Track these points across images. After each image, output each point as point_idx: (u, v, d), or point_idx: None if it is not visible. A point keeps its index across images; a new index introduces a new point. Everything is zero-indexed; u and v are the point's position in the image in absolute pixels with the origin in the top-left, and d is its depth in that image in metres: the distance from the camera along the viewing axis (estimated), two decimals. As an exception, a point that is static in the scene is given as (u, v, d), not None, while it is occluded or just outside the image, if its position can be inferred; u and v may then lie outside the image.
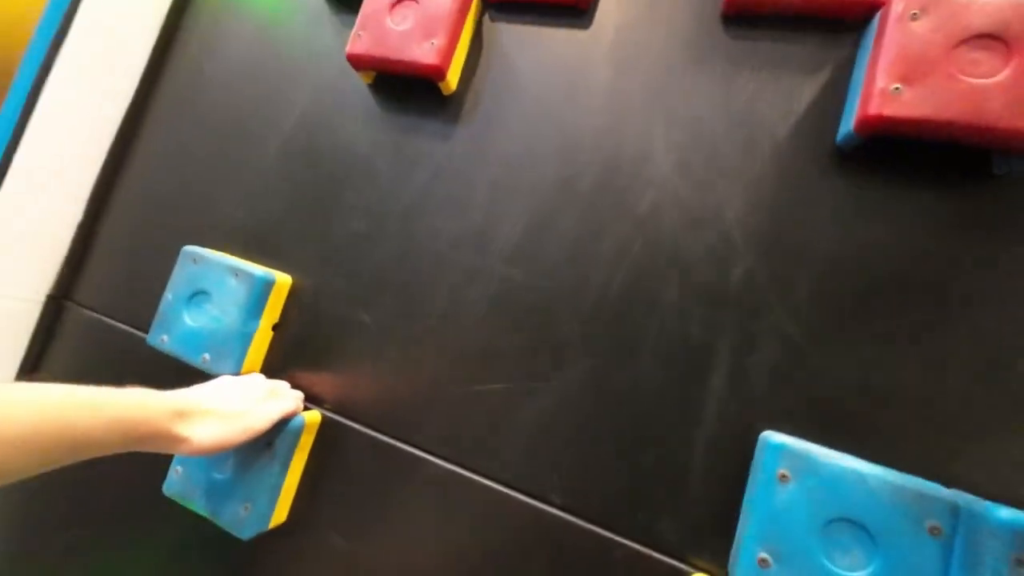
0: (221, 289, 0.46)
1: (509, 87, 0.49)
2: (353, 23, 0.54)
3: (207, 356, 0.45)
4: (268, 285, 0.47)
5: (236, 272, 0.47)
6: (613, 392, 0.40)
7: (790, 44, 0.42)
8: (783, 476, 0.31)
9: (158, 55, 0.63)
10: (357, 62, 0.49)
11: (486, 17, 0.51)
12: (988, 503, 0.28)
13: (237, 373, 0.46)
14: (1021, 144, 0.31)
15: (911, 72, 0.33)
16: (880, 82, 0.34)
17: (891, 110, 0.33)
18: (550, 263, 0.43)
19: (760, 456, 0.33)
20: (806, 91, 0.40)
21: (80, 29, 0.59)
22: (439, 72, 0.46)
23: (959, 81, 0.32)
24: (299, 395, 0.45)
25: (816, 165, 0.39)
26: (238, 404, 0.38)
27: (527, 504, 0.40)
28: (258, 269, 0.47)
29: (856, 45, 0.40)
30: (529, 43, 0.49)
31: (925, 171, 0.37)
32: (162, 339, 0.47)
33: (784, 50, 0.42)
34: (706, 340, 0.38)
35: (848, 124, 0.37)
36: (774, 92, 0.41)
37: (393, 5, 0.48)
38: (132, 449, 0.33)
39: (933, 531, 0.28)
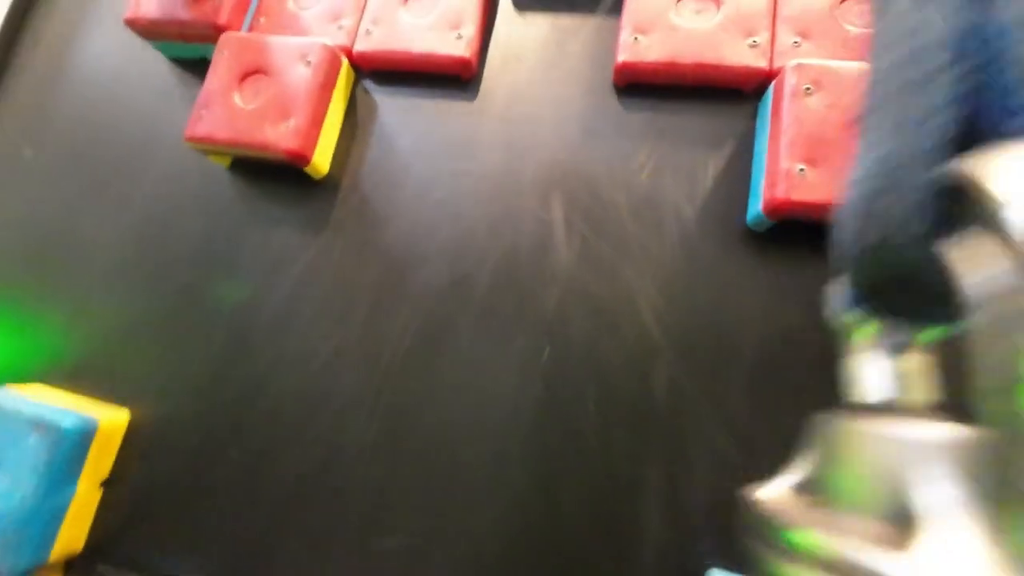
0: (15, 450, 0.35)
1: (390, 169, 0.42)
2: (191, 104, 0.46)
3: (-11, 552, 0.33)
4: (86, 436, 0.36)
5: (37, 424, 0.35)
6: (533, 542, 0.33)
7: (686, 116, 0.38)
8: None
9: (-41, 138, 0.51)
10: (203, 144, 0.41)
11: (360, 88, 0.45)
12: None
13: (40, 563, 0.35)
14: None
15: (815, 152, 0.30)
16: (785, 163, 0.31)
17: (800, 195, 0.30)
18: (447, 381, 0.36)
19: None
20: (709, 167, 0.37)
21: None
22: (300, 157, 0.39)
23: (863, 162, 0.30)
24: None
25: (728, 249, 0.35)
26: None
27: None
28: (71, 416, 0.36)
29: (754, 117, 0.37)
30: (410, 118, 0.43)
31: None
32: (-72, 530, 0.34)
33: (681, 123, 0.38)
34: (635, 467, 0.33)
35: (757, 206, 0.33)
36: (675, 169, 0.37)
37: (242, 79, 0.41)
38: None
39: None
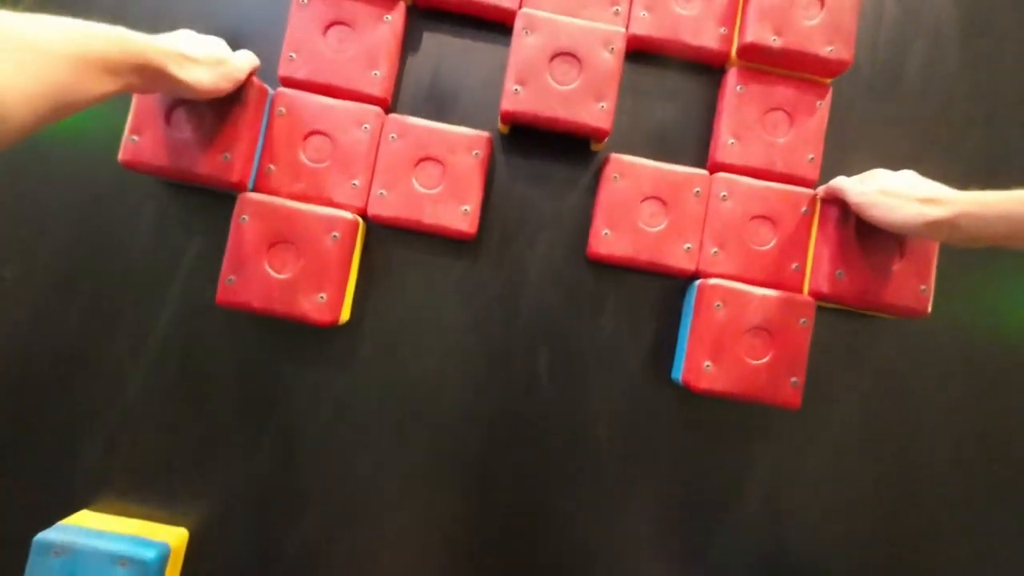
0: (106, 583, 0.43)
1: (402, 314, 0.51)
2: (203, 231, 0.49)
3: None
4: (163, 560, 0.45)
5: (120, 560, 0.43)
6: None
7: (638, 291, 0.52)
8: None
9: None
10: (237, 308, 0.46)
11: (372, 237, 0.51)
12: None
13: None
14: (780, 404, 0.47)
15: (717, 354, 0.46)
16: (696, 358, 0.46)
17: (705, 384, 0.46)
18: (459, 488, 0.50)
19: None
20: (650, 331, 0.52)
21: None
22: (333, 324, 0.46)
23: (745, 364, 0.46)
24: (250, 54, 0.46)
25: (659, 394, 0.51)
26: (216, 53, 0.41)
27: None
28: (149, 546, 0.44)
29: (683, 296, 0.52)
30: (418, 270, 0.51)
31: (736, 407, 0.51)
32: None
33: (634, 295, 0.52)
34: (595, 542, 0.51)
35: (678, 373, 0.49)
36: (628, 330, 0.52)
37: (270, 246, 0.45)
38: (138, 86, 0.35)
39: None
